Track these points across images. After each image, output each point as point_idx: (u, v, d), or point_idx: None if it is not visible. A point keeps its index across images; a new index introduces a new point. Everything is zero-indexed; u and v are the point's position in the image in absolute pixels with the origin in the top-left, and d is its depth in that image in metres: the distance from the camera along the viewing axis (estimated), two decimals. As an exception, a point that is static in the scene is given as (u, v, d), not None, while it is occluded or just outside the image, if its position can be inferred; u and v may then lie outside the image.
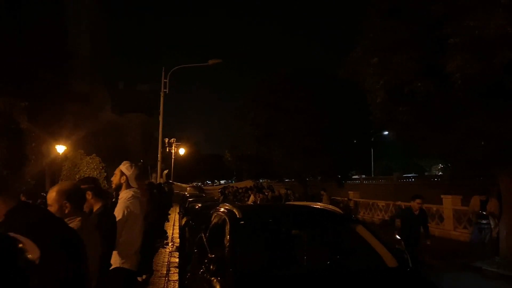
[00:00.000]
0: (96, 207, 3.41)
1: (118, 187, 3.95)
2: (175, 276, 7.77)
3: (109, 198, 4.04)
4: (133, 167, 4.02)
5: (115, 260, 3.67)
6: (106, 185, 23.66)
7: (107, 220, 3.31)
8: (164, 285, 7.16)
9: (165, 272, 8.09)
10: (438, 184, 29.42)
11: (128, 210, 3.72)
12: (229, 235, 3.87)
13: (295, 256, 3.90)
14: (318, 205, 4.83)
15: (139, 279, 7.02)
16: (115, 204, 4.03)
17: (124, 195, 3.86)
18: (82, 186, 2.98)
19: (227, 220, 4.23)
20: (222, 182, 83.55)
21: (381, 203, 16.52)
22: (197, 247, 5.91)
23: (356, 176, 39.42)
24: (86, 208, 3.33)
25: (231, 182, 64.17)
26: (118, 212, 3.70)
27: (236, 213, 4.24)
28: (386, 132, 36.63)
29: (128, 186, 3.93)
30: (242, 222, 4.04)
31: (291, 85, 21.01)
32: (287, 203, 5.69)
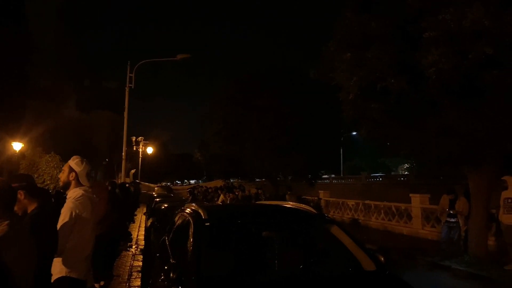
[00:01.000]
0: (30, 208, 2.94)
1: (66, 185, 3.48)
2: (136, 282, 7.27)
3: (47, 197, 3.53)
4: (84, 163, 3.56)
5: (61, 269, 3.21)
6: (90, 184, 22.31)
7: (44, 223, 2.85)
8: (125, 292, 6.66)
9: (126, 277, 7.56)
10: (404, 183, 30.14)
11: (77, 212, 3.27)
12: (192, 238, 3.49)
13: (265, 260, 3.56)
14: (290, 204, 4.53)
15: (97, 285, 6.49)
16: (59, 205, 3.55)
17: (73, 194, 3.40)
18: (13, 185, 2.52)
19: (191, 222, 3.85)
20: (192, 182, 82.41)
21: (351, 202, 16.55)
22: (160, 250, 5.48)
23: (326, 176, 39.79)
24: (18, 209, 2.87)
25: (201, 182, 63.35)
26: (65, 214, 3.24)
27: (201, 213, 3.86)
28: (354, 133, 37.27)
29: (78, 184, 3.47)
30: (208, 224, 3.67)
31: (262, 84, 20.76)
32: (257, 202, 5.36)
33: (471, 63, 5.39)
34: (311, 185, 23.90)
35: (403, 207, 13.26)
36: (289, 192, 15.68)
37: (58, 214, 3.29)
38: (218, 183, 36.31)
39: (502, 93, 5.82)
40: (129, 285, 7.04)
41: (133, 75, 15.48)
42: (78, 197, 3.35)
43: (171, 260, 3.70)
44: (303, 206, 4.21)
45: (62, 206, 3.33)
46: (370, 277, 3.16)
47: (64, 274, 3.19)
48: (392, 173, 43.54)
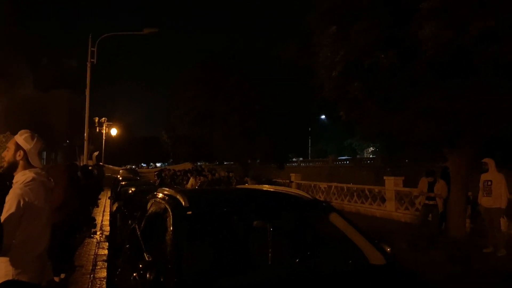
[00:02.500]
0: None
1: (12, 167, 2.80)
2: (102, 272, 6.63)
3: None
4: (36, 139, 2.88)
5: (7, 271, 2.57)
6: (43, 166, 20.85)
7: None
8: (89, 284, 6.01)
9: (90, 267, 6.90)
10: (370, 166, 30.66)
11: (26, 200, 2.62)
12: (172, 231, 2.94)
13: (257, 255, 3.07)
14: (279, 188, 4.04)
15: (56, 279, 5.81)
16: (3, 191, 2.86)
17: (21, 178, 2.73)
18: None
19: (169, 210, 3.28)
20: (158, 165, 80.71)
21: (323, 185, 16.40)
22: (129, 241, 4.88)
23: (294, 159, 39.88)
24: None
25: (167, 165, 62.03)
26: (10, 203, 2.58)
27: (181, 200, 3.29)
28: (323, 116, 37.37)
29: (28, 166, 2.80)
30: (189, 213, 3.12)
31: (230, 65, 20.03)
32: (238, 186, 4.84)
33: (470, 37, 5.08)
34: (281, 168, 23.68)
35: (376, 190, 13.21)
36: (246, 179, 15.29)
37: (1, 203, 2.64)
38: (186, 166, 35.46)
39: (499, 71, 5.56)
40: (93, 276, 6.40)
41: (95, 49, 14.30)
42: (27, 182, 2.69)
43: (145, 256, 3.14)
44: (295, 190, 3.74)
45: (6, 192, 2.66)
46: (379, 273, 2.75)
47: (11, 277, 2.56)
48: (358, 156, 44.26)
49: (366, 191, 13.67)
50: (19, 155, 2.78)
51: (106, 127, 36.09)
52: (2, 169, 2.85)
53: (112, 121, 39.39)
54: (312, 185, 17.14)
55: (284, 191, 3.91)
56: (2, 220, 2.53)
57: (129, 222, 8.42)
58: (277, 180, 18.69)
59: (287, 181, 18.55)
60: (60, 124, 48.02)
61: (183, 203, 3.23)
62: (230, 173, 17.42)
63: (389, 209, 12.22)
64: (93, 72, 15.50)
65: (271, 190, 4.12)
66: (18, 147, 2.79)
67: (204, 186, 14.72)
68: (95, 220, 11.79)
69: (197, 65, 22.70)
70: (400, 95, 7.31)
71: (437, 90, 6.80)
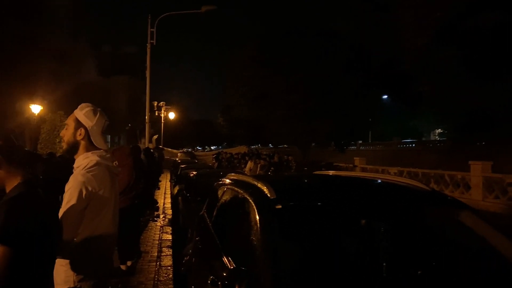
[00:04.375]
0: (10, 186, 1.83)
1: (72, 148, 2.31)
2: (168, 260, 6.31)
3: (38, 167, 2.36)
4: (98, 114, 2.36)
5: (67, 276, 2.11)
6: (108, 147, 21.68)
7: (30, 213, 1.74)
8: (156, 274, 5.69)
9: (156, 254, 6.62)
10: (440, 149, 28.33)
11: (89, 189, 2.12)
12: (260, 231, 2.33)
13: (367, 264, 2.38)
14: (387, 177, 3.29)
15: (123, 267, 5.54)
16: (62, 177, 2.41)
17: (83, 162, 2.23)
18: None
19: (252, 203, 2.67)
20: (213, 148, 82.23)
21: (393, 170, 15.13)
22: (199, 231, 4.40)
23: (352, 142, 38.23)
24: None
25: (221, 148, 62.88)
26: (71, 193, 2.09)
27: (265, 190, 2.66)
28: (385, 96, 35.17)
29: (91, 147, 2.30)
30: (279, 207, 2.49)
31: (291, 42, 19.01)
32: (315, 172, 4.15)
33: None
34: (342, 151, 22.53)
35: (459, 176, 11.82)
36: (290, 158, 14.42)
37: (60, 191, 2.18)
38: (241, 149, 35.31)
39: None
40: (159, 264, 6.09)
41: (154, 30, 14.16)
42: (90, 167, 2.18)
43: (224, 259, 2.59)
44: (407, 180, 2.97)
45: (66, 179, 2.18)
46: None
47: (72, 285, 2.09)
48: (423, 138, 41.36)
49: (446, 177, 12.32)
50: (80, 134, 2.27)
51: (164, 110, 36.85)
52: (63, 150, 2.37)
53: (169, 104, 40.18)
54: (380, 170, 15.92)
55: (388, 180, 3.16)
56: (61, 214, 2.06)
57: (192, 206, 8.14)
58: (339, 165, 17.71)
59: (351, 165, 17.51)
60: (122, 108, 50.22)
61: (269, 194, 2.60)
62: (289, 157, 16.72)
63: (475, 198, 10.85)
64: (152, 55, 15.51)
65: (370, 177, 3.39)
66: (78, 124, 2.29)
67: (265, 170, 14.20)
68: (157, 202, 11.75)
69: (254, 43, 21.98)
70: (504, 61, 6.11)
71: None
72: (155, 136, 37.25)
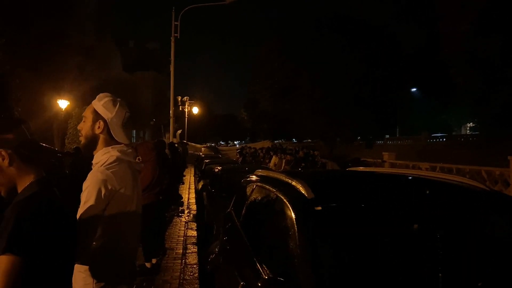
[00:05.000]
0: (22, 185, 1.64)
1: (91, 143, 2.11)
2: (193, 258, 6.14)
3: (52, 164, 2.16)
4: (118, 105, 2.13)
5: (86, 283, 1.90)
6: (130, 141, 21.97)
7: (44, 219, 1.54)
8: (181, 272, 5.53)
9: (181, 251, 6.47)
10: (473, 144, 27.15)
11: (109, 188, 1.90)
12: (298, 237, 2.06)
13: (422, 274, 2.07)
14: (436, 175, 2.95)
15: (148, 265, 5.40)
16: (80, 174, 2.20)
17: (102, 158, 2.01)
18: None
19: (287, 203, 2.40)
20: (236, 143, 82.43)
21: (425, 165, 14.48)
22: (225, 230, 4.17)
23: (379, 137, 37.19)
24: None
25: (244, 143, 62.83)
26: (89, 193, 1.87)
27: (301, 189, 2.39)
28: (414, 89, 34.02)
29: (110, 141, 2.08)
30: (319, 208, 2.21)
31: (319, 33, 18.51)
32: (353, 169, 3.81)
33: None
34: (369, 146, 21.90)
35: (497, 172, 11.16)
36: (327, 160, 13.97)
37: (75, 192, 1.98)
38: (265, 143, 35.04)
39: None
40: (185, 262, 5.93)
41: (178, 23, 14.03)
42: (110, 163, 1.96)
43: (258, 266, 2.33)
44: (460, 178, 2.62)
45: (84, 177, 1.97)
46: None
47: (91, 294, 1.88)
48: (453, 133, 39.78)
49: (483, 173, 11.66)
50: (99, 127, 2.06)
51: (188, 105, 37.00)
52: (81, 145, 2.16)
53: (193, 99, 40.35)
54: (411, 165, 15.26)
55: (438, 178, 2.82)
56: (78, 215, 1.86)
57: (218, 201, 7.95)
58: (366, 160, 17.16)
59: (379, 160, 16.93)
60: (147, 103, 50.90)
61: (306, 193, 2.32)
62: (315, 152, 16.30)
63: (514, 196, 10.20)
64: (176, 50, 15.42)
65: (415, 175, 3.05)
66: (97, 116, 2.07)
67: (291, 166, 13.89)
68: (182, 197, 11.68)
69: (279, 36, 21.57)
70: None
71: None
72: (179, 131, 37.52)
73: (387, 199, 2.41)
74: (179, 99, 30.62)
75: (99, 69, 30.47)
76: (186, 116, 38.39)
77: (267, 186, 3.07)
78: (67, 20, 20.24)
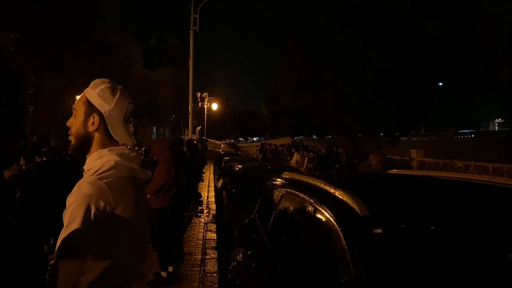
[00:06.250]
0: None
1: (83, 144, 1.61)
2: (213, 265, 5.67)
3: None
4: (119, 93, 1.58)
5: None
6: (134, 142, 21.94)
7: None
8: (200, 282, 5.07)
9: (199, 257, 6.02)
10: (504, 141, 25.81)
11: (101, 205, 1.39)
12: (353, 269, 1.53)
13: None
14: (500, 180, 2.37)
15: (163, 274, 4.95)
16: (66, 185, 1.69)
17: (94, 163, 1.50)
18: None
19: (333, 222, 1.87)
20: (255, 139, 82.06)
21: (458, 164, 13.60)
22: (249, 240, 3.67)
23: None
24: None
25: (263, 139, 62.33)
26: (73, 212, 1.36)
27: (352, 203, 1.85)
28: (440, 83, 32.67)
29: (108, 141, 1.57)
30: (379, 231, 1.68)
31: (342, 24, 17.74)
32: (396, 171, 3.24)
33: None
34: (394, 143, 21.01)
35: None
36: (377, 151, 13.21)
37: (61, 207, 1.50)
38: (285, 140, 34.44)
39: None
40: (204, 269, 5.47)
41: (197, 16, 13.61)
42: (105, 171, 1.47)
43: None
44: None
45: (69, 188, 1.49)
46: None
47: None
48: (481, 129, 38.18)
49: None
50: (93, 123, 1.57)
51: (207, 101, 36.74)
52: (70, 146, 1.66)
53: (212, 95, 40.10)
54: (441, 163, 14.38)
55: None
56: (58, 244, 1.38)
57: (238, 202, 7.48)
58: (393, 157, 16.37)
59: (406, 158, 16.12)
60: (167, 100, 51.07)
61: (358, 209, 1.78)
62: (339, 148, 15.59)
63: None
64: (195, 46, 15.01)
65: (481, 181, 2.47)
66: (90, 108, 1.57)
67: (314, 164, 13.29)
68: (201, 196, 11.29)
69: (300, 29, 20.89)
70: None
71: None
72: (199, 127, 37.39)
73: (463, 216, 1.85)
74: (198, 95, 30.35)
75: (121, 66, 30.55)
76: (206, 112, 38.15)
77: (302, 195, 2.54)
78: (89, 17, 20.23)
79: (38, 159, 6.19)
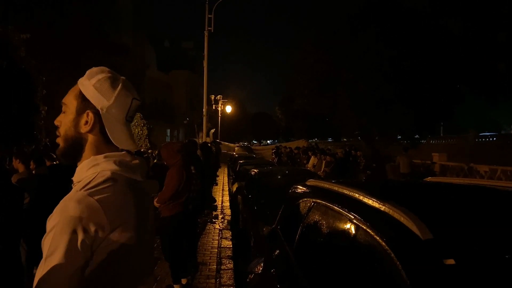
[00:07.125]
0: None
1: (72, 148, 1.26)
2: (229, 276, 5.32)
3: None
4: (120, 86, 1.22)
5: None
6: (148, 145, 21.92)
7: None
8: (214, 295, 4.71)
9: (214, 267, 5.67)
10: (528, 144, 24.82)
11: (92, 230, 1.03)
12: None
13: None
14: None
15: (176, 287, 4.62)
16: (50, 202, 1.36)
17: (86, 174, 1.14)
18: None
19: (384, 247, 1.49)
20: (269, 142, 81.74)
21: (484, 168, 12.96)
22: (270, 254, 3.30)
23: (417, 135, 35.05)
24: None
25: (277, 142, 61.91)
26: (55, 240, 1.00)
27: (408, 223, 1.46)
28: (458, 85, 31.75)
29: (104, 146, 1.23)
30: (450, 263, 1.30)
31: (360, 23, 17.26)
32: (431, 179, 2.86)
33: None
34: (414, 146, 20.35)
35: None
36: (404, 153, 12.75)
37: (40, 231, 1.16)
38: (300, 143, 33.97)
39: None
40: (219, 282, 5.11)
41: (212, 16, 13.37)
42: (99, 184, 1.11)
43: None
44: None
45: (51, 207, 1.15)
46: None
47: None
48: (503, 132, 36.90)
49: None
50: (86, 122, 1.23)
51: (221, 104, 36.59)
52: (58, 151, 1.32)
53: (226, 98, 39.96)
54: (466, 168, 13.75)
55: None
56: (34, 285, 1.04)
57: (255, 208, 7.12)
58: (413, 161, 15.76)
59: (428, 161, 15.51)
60: (181, 102, 51.18)
61: (418, 231, 1.40)
62: (358, 152, 15.10)
63: None
64: (209, 49, 14.80)
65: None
66: (84, 103, 1.23)
67: (331, 168, 12.84)
68: (215, 201, 10.98)
69: (318, 30, 20.45)
70: None
71: None
72: (213, 130, 37.28)
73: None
74: (212, 98, 30.20)
75: (135, 68, 30.63)
76: (220, 114, 38.00)
77: (337, 208, 2.16)
78: (104, 19, 20.30)
79: (48, 163, 5.94)
